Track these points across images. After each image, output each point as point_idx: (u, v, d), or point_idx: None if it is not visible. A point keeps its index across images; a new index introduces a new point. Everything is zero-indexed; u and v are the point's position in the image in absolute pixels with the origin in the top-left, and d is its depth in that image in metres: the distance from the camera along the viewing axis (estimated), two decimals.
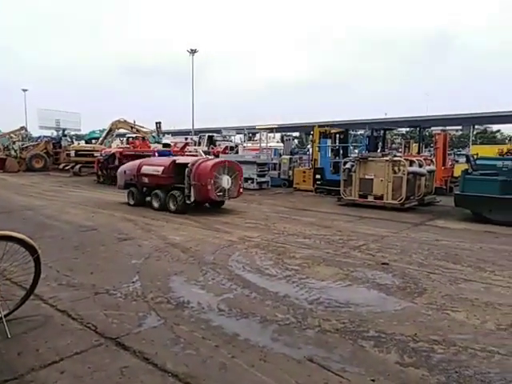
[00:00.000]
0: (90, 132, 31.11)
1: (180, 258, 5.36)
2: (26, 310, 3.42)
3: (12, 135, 27.48)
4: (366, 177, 10.35)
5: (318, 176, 13.63)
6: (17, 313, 3.35)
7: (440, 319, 3.49)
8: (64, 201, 10.95)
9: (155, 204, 9.37)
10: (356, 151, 15.99)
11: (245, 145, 26.34)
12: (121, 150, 17.15)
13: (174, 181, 9.21)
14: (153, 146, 21.14)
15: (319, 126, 14.79)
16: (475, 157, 9.60)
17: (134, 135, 23.11)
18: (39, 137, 30.95)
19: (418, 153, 14.17)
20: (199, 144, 26.15)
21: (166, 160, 9.84)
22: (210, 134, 27.75)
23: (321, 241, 6.44)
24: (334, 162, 13.65)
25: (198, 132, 39.67)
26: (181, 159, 9.98)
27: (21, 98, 58.13)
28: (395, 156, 10.57)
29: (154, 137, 24.04)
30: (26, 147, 24.50)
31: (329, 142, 14.35)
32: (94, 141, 26.06)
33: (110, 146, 22.07)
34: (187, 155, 17.30)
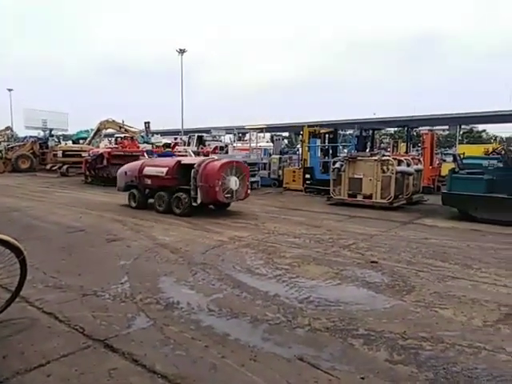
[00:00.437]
0: (77, 132, 30.73)
1: (169, 258, 5.32)
2: (12, 313, 3.35)
3: None
4: (355, 176, 10.43)
5: (307, 176, 13.68)
6: (2, 316, 3.28)
7: (428, 316, 3.53)
8: (51, 202, 10.78)
9: (159, 207, 9.01)
10: (345, 151, 16.09)
11: (235, 145, 26.33)
12: (109, 150, 16.96)
13: (179, 182, 8.84)
14: (142, 146, 20.99)
15: (309, 126, 14.86)
16: (462, 156, 9.76)
17: (122, 135, 22.91)
18: (25, 137, 30.40)
19: (406, 152, 14.31)
20: (189, 144, 26.05)
21: (171, 161, 9.52)
22: (200, 134, 27.66)
23: (311, 240, 6.46)
24: (324, 162, 13.73)
25: (187, 132, 39.49)
26: (186, 160, 9.64)
27: (6, 98, 57.16)
28: (384, 155, 10.66)
29: (142, 137, 23.90)
30: (12, 147, 24.06)
31: (318, 141, 14.42)
32: (81, 141, 25.75)
33: (98, 146, 21.83)
34: (177, 155, 17.23)
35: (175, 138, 30.23)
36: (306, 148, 14.33)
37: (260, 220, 8.24)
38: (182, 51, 44.33)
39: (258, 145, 21.12)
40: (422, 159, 13.20)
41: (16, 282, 3.31)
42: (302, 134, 14.76)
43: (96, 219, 8.19)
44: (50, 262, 5.03)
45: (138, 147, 19.45)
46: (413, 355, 2.85)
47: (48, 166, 21.88)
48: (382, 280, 4.51)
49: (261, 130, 20.43)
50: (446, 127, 56.29)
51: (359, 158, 10.60)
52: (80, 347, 2.90)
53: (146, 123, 26.84)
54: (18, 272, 3.27)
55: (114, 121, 22.74)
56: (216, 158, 9.73)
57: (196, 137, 26.77)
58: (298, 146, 26.73)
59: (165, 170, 8.98)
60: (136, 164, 10.15)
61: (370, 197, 10.17)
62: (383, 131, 41.99)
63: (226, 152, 21.84)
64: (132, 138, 21.26)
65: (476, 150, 17.20)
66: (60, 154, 20.47)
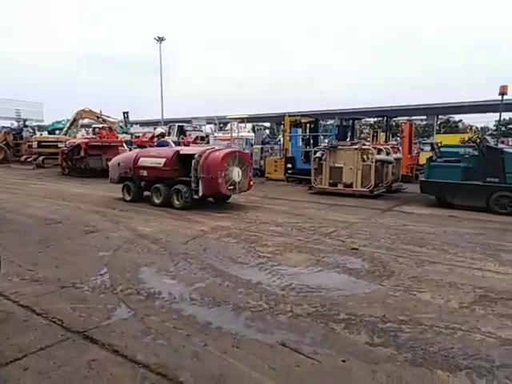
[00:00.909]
0: (53, 122, 29.80)
1: (150, 249, 5.25)
2: None
3: None
4: (336, 165, 10.51)
5: (289, 165, 13.72)
6: None
7: (407, 300, 3.61)
8: (26, 194, 10.46)
9: (156, 200, 8.55)
10: (326, 140, 16.19)
11: (216, 135, 26.10)
12: (86, 140, 16.53)
13: (178, 174, 8.42)
14: (120, 136, 20.54)
15: (290, 116, 14.84)
16: (439, 145, 9.95)
17: (100, 125, 22.34)
18: None
19: (386, 141, 14.53)
20: (169, 134, 25.63)
21: (169, 151, 8.92)
22: (180, 124, 27.25)
23: (292, 228, 6.50)
24: (305, 152, 13.78)
25: (167, 122, 38.89)
26: (185, 149, 9.13)
27: None
28: (364, 145, 10.78)
29: (121, 127, 23.38)
30: None
31: (299, 131, 14.44)
32: (57, 131, 24.98)
33: (75, 137, 21.23)
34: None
35: (155, 128, 29.70)
36: (288, 138, 14.33)
37: (242, 209, 8.22)
38: (160, 39, 43.44)
39: (240, 135, 21.00)
40: (400, 148, 13.44)
41: None
42: (284, 124, 14.74)
43: (74, 211, 7.99)
44: (26, 255, 4.89)
45: (117, 137, 19.03)
46: (392, 337, 2.91)
47: (23, 158, 21.15)
48: (363, 266, 4.58)
49: (242, 119, 20.31)
50: (424, 117, 57.26)
51: (340, 147, 10.68)
52: (58, 340, 2.84)
53: (124, 113, 26.25)
54: None
55: (90, 110, 22.06)
56: (216, 147, 9.25)
57: (176, 127, 26.36)
58: (280, 136, 26.75)
59: (162, 160, 8.50)
60: (130, 154, 9.70)
61: (350, 185, 10.29)
62: (363, 121, 42.46)
63: (207, 142, 21.64)
64: (110, 128, 20.75)
65: (452, 139, 17.64)
66: (35, 144, 19.83)
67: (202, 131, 28.45)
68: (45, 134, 26.14)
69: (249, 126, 34.77)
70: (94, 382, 2.37)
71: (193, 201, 8.11)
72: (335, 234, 6.15)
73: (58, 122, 28.41)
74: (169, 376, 2.43)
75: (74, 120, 22.50)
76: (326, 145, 11.76)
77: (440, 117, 58.00)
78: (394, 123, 22.13)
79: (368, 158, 10.21)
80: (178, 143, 18.79)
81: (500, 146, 9.01)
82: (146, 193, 9.17)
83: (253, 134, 25.73)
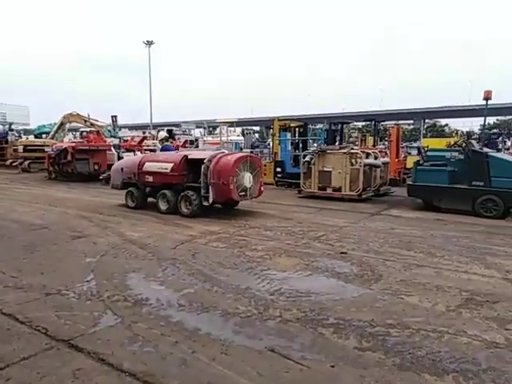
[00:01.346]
0: (39, 126, 29.40)
1: (138, 254, 5.19)
2: None
3: None
4: (325, 169, 10.57)
5: (278, 169, 13.75)
6: None
7: (395, 304, 3.63)
8: (12, 199, 10.26)
9: (162, 207, 8.16)
10: (315, 144, 16.29)
11: (205, 139, 26.05)
12: (73, 144, 16.30)
13: (187, 179, 8.06)
14: (109, 140, 20.33)
15: (279, 120, 14.89)
16: (426, 149, 10.08)
17: (88, 129, 22.09)
18: None
19: (374, 146, 14.66)
20: (158, 138, 25.52)
21: (176, 155, 8.57)
22: (169, 128, 27.17)
23: (282, 232, 6.50)
24: (294, 155, 13.82)
25: (156, 126, 38.69)
26: (194, 154, 8.70)
27: None
28: (352, 149, 10.87)
29: (109, 131, 23.15)
30: None
31: (288, 135, 14.49)
32: (44, 135, 24.64)
33: (62, 141, 20.96)
34: (145, 149, 16.85)
35: (144, 132, 29.50)
36: (277, 142, 14.37)
37: (231, 214, 8.19)
38: (149, 43, 43.39)
39: (229, 139, 21.01)
40: (388, 152, 13.59)
41: None
42: (273, 128, 14.78)
43: (60, 216, 7.87)
44: (10, 261, 4.79)
45: (105, 141, 18.82)
46: (380, 342, 2.92)
47: (8, 162, 20.77)
48: (351, 270, 4.60)
49: (231, 123, 20.31)
50: (411, 121, 58.14)
51: (328, 151, 10.75)
52: (42, 349, 2.77)
53: (113, 117, 26.02)
54: None
55: (78, 114, 21.80)
56: (226, 151, 8.85)
57: (165, 131, 26.27)
58: (269, 140, 26.82)
59: (170, 165, 8.08)
60: (135, 159, 9.33)
61: (339, 189, 10.35)
62: (351, 125, 42.82)
63: (197, 146, 21.57)
64: (98, 132, 20.53)
65: (439, 143, 17.84)
66: (21, 148, 19.48)
67: (191, 135, 28.35)
68: (31, 137, 25.78)
69: (238, 129, 34.78)
70: None
71: (202, 208, 7.75)
72: (324, 237, 6.17)
73: (44, 126, 28.06)
74: None
75: (62, 124, 22.22)
76: (314, 149, 11.81)
77: (427, 121, 58.97)
78: (381, 127, 22.36)
79: (356, 162, 10.30)
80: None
81: (485, 149, 9.16)
82: (150, 199, 8.87)
83: (242, 138, 25.79)
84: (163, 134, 17.58)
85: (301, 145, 14.24)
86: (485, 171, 8.01)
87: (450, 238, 6.15)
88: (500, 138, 35.77)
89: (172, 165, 8.08)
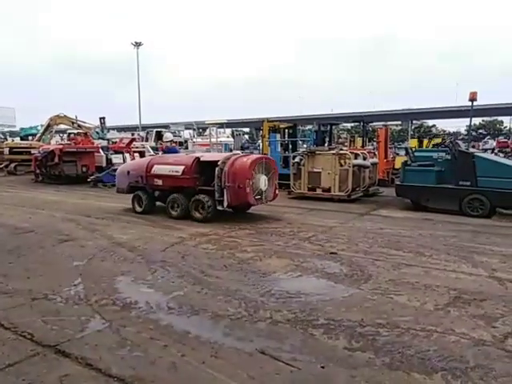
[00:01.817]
0: (25, 128, 28.93)
1: (127, 257, 5.13)
2: None
3: None
4: (315, 170, 10.61)
5: None
6: None
7: (384, 303, 3.65)
8: None
9: (172, 211, 7.80)
10: (304, 145, 16.34)
11: (195, 140, 25.95)
12: (61, 146, 16.08)
13: (199, 183, 7.75)
14: (97, 142, 20.10)
15: (269, 121, 14.90)
16: (413, 149, 10.19)
17: (75, 131, 21.82)
18: None
19: (363, 146, 14.77)
20: (147, 140, 25.34)
21: (187, 157, 8.22)
22: (158, 130, 26.99)
23: (272, 233, 6.49)
24: (284, 157, 13.85)
25: (145, 127, 38.40)
26: (206, 156, 8.40)
27: None
28: (341, 150, 10.93)
29: (97, 132, 22.84)
30: None
31: (278, 136, 14.51)
32: (30, 137, 24.25)
33: (50, 143, 20.67)
34: (134, 151, 16.69)
35: (132, 134, 29.27)
36: (267, 143, 14.38)
37: (221, 215, 8.14)
38: (137, 44, 43.11)
39: (219, 140, 20.96)
40: (377, 153, 13.71)
41: None
42: (263, 129, 14.79)
43: (47, 219, 7.74)
44: None
45: (93, 143, 18.60)
46: (370, 342, 2.93)
47: None
48: (341, 270, 4.62)
49: (221, 125, 20.27)
50: (399, 122, 58.84)
51: (318, 152, 10.79)
52: (28, 355, 2.72)
53: (101, 118, 25.68)
54: None
55: (65, 116, 21.53)
56: (241, 153, 8.54)
57: (154, 132, 26.10)
58: (259, 141, 26.85)
59: (181, 168, 7.72)
60: (142, 161, 8.94)
61: (328, 190, 10.40)
62: (341, 126, 43.16)
63: (186, 148, 21.47)
64: (86, 133, 20.28)
65: (426, 143, 18.05)
66: (7, 151, 19.16)
67: (180, 136, 28.20)
68: (17, 139, 25.35)
69: (228, 131, 34.75)
70: None
71: (216, 212, 7.47)
72: (314, 238, 6.19)
73: (30, 128, 27.63)
74: None
75: (48, 125, 21.92)
76: (304, 150, 11.86)
77: (414, 122, 59.69)
78: (370, 128, 22.56)
79: (345, 163, 10.36)
80: (155, 149, 18.58)
81: (471, 150, 9.29)
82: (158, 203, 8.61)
83: (232, 139, 25.76)
84: (170, 135, 16.84)
85: (290, 146, 14.27)
86: (471, 171, 8.13)
87: (438, 238, 6.22)
88: (486, 139, 36.44)
89: (183, 167, 7.73)
